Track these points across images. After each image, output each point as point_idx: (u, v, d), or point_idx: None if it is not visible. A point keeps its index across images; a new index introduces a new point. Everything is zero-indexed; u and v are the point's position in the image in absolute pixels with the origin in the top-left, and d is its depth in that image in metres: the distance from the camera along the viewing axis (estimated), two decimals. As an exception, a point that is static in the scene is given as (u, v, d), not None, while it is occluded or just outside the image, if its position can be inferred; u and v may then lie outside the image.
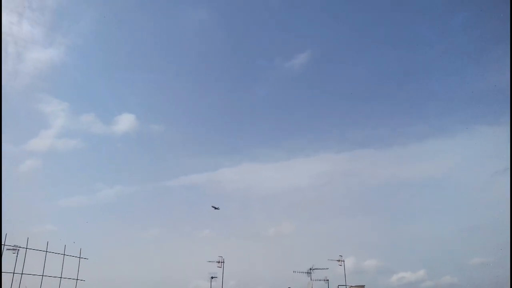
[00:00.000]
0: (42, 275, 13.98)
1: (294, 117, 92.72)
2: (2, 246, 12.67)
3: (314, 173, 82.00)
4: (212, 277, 41.87)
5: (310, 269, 43.10)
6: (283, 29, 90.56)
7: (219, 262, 41.62)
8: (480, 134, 70.54)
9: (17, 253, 16.69)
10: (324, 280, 42.77)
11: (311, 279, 42.71)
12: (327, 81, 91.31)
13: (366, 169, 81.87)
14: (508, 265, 24.42)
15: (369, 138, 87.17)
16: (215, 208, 59.66)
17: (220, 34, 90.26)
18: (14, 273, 14.69)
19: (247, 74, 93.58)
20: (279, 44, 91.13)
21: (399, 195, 75.21)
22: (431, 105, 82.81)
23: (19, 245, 18.16)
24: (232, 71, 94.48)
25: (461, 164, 73.05)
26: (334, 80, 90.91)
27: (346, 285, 41.52)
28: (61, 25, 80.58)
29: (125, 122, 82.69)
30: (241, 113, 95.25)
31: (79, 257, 14.74)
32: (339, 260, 42.69)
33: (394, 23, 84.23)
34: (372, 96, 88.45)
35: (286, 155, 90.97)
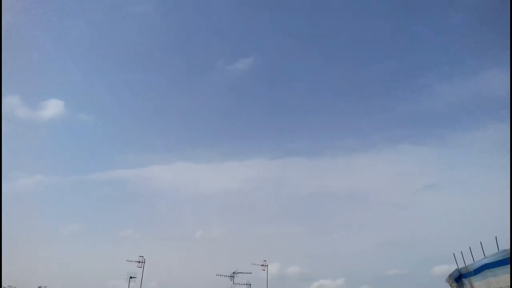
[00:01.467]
0: None
1: (232, 121, 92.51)
2: None
3: (247, 177, 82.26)
4: (131, 277, 39.95)
5: (234, 273, 42.78)
6: (229, 32, 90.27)
7: (139, 262, 39.80)
8: (405, 152, 75.17)
9: None
10: (246, 284, 42.71)
11: (233, 283, 42.38)
12: (268, 88, 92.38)
13: (297, 178, 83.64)
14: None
15: (302, 148, 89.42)
16: None
17: (164, 28, 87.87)
18: None
19: (188, 73, 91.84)
20: (223, 46, 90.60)
21: (326, 206, 77.64)
22: (363, 122, 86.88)
23: None
24: (173, 69, 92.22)
25: (386, 180, 77.30)
26: (274, 89, 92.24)
27: (267, 290, 41.66)
28: None
29: (53, 108, 77.11)
30: (178, 112, 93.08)
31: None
32: (262, 265, 42.75)
33: (338, 40, 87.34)
34: (309, 108, 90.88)
35: (220, 157, 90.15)
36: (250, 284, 42.48)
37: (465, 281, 19.09)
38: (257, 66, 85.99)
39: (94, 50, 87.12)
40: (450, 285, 20.20)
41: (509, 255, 14.88)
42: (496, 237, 16.28)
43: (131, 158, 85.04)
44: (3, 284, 39.01)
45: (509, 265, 14.91)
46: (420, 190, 72.91)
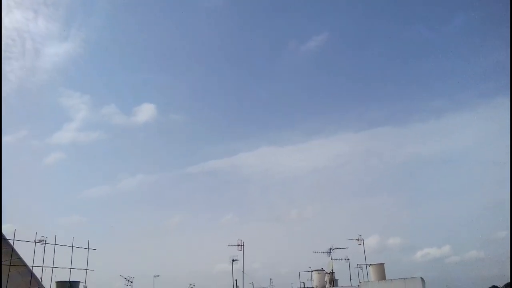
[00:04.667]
0: (52, 267, 14.56)
1: (311, 99, 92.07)
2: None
3: (334, 153, 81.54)
4: (233, 260, 42.65)
5: (330, 249, 43.24)
6: (297, 12, 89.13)
7: (239, 245, 42.23)
8: (500, 106, 68.10)
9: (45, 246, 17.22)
10: (345, 259, 42.93)
11: (331, 259, 42.86)
12: (343, 62, 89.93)
13: (386, 148, 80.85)
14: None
15: (388, 116, 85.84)
16: None
17: (233, 20, 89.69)
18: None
19: (262, 58, 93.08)
20: (294, 27, 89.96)
21: (420, 173, 74.10)
22: (449, 80, 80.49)
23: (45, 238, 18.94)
24: (247, 57, 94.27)
25: (482, 138, 71.21)
26: (350, 61, 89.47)
27: (366, 264, 41.44)
28: (75, 19, 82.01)
29: (145, 112, 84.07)
30: (257, 98, 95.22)
31: (88, 248, 15.31)
32: (358, 240, 42.54)
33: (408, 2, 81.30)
34: (388, 75, 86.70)
35: (304, 137, 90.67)
36: (348, 259, 42.62)
37: None
38: (330, 41, 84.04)
39: (175, 52, 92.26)
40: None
41: None
42: None
43: (220, 149, 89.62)
44: (123, 275, 44.32)
45: None
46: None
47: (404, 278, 32.10)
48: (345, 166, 79.11)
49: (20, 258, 15.42)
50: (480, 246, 51.89)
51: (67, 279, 15.70)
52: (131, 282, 46.00)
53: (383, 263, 40.33)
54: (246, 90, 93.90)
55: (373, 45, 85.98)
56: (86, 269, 15.54)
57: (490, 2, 74.71)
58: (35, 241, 15.12)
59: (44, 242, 17.89)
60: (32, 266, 14.94)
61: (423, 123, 76.69)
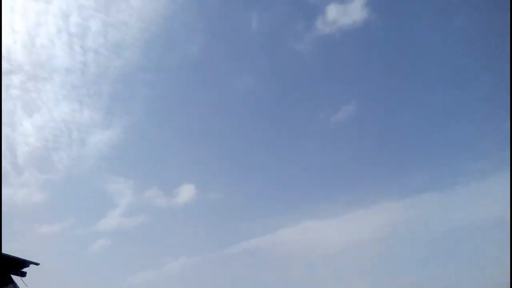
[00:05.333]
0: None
1: (348, 169, 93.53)
2: None
3: (377, 224, 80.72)
4: None
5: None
6: (323, 83, 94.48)
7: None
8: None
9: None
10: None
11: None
12: (376, 129, 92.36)
13: (432, 214, 79.86)
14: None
15: (429, 181, 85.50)
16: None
17: (265, 98, 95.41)
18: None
19: (295, 131, 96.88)
20: (322, 98, 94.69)
21: (473, 239, 72.47)
22: (491, 141, 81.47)
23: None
24: (280, 130, 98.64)
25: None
26: (383, 128, 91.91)
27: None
28: (117, 107, 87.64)
29: (186, 192, 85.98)
30: (294, 172, 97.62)
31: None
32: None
33: (444, 65, 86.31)
34: (426, 139, 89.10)
35: (345, 208, 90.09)
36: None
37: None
38: (361, 109, 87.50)
39: (214, 134, 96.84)
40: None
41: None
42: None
43: (260, 225, 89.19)
44: None
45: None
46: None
47: None
48: (391, 237, 78.40)
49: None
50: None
51: None
52: None
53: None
54: (283, 164, 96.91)
55: (407, 109, 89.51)
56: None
57: None
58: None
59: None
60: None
61: (466, 186, 76.96)
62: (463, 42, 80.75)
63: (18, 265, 12.78)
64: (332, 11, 78.04)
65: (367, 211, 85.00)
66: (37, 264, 13.18)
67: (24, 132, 53.97)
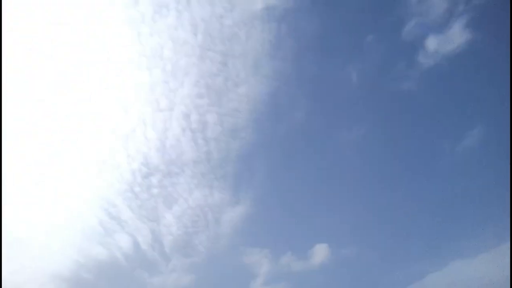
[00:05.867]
0: None
1: (485, 197, 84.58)
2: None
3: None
4: None
5: None
6: (446, 111, 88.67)
7: None
8: None
9: None
10: None
11: None
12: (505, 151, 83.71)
13: None
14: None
15: None
16: None
17: (378, 143, 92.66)
18: None
19: (417, 167, 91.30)
20: (445, 126, 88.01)
21: None
22: None
23: None
24: (401, 171, 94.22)
25: None
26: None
27: None
28: (241, 184, 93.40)
29: (319, 252, 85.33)
30: (427, 209, 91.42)
31: None
32: None
33: None
34: None
35: (494, 240, 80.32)
36: None
37: None
38: (487, 133, 79.41)
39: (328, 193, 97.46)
40: None
41: None
42: None
43: (405, 273, 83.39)
44: None
45: None
46: None
47: None
48: None
49: None
50: None
51: None
52: None
53: None
54: (410, 206, 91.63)
55: None
56: None
57: None
58: None
59: None
60: None
61: None
62: None
63: None
64: (432, 42, 74.19)
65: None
66: None
67: (167, 223, 61.26)
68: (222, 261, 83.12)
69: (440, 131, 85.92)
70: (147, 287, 42.72)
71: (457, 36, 66.71)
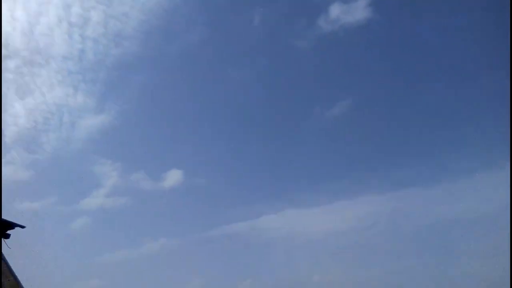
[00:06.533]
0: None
1: (336, 162, 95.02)
2: None
3: (359, 215, 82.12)
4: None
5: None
6: (323, 77, 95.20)
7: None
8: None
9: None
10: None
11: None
12: (368, 125, 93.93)
13: (413, 209, 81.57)
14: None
15: (415, 177, 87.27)
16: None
17: (260, 91, 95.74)
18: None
19: (287, 123, 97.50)
20: (319, 93, 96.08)
21: (450, 234, 74.23)
22: (481, 140, 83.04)
23: None
24: (272, 121, 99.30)
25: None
26: (376, 124, 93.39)
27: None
28: (111, 93, 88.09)
29: (173, 177, 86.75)
30: (281, 160, 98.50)
31: None
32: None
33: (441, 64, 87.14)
34: (415, 136, 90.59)
35: (328, 198, 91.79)
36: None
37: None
38: (356, 105, 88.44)
39: (198, 121, 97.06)
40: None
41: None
42: None
43: (243, 211, 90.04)
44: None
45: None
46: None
47: None
48: (371, 228, 79.62)
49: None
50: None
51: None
52: None
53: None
54: (268, 153, 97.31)
55: (400, 108, 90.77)
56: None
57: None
58: None
59: None
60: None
61: (452, 183, 78.65)
62: (463, 42, 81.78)
63: (4, 227, 12.25)
64: (335, 10, 77.73)
65: (349, 202, 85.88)
66: (23, 227, 12.66)
67: (14, 113, 54.72)
68: (68, 165, 78.13)
69: (316, 94, 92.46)
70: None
71: (359, 10, 68.49)
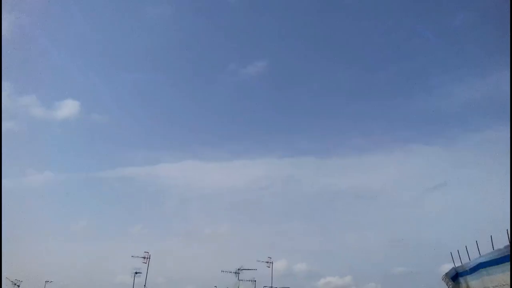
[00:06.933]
0: None
1: (241, 121, 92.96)
2: None
3: (256, 175, 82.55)
4: (136, 273, 40.47)
5: (239, 269, 42.99)
6: (243, 35, 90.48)
7: (144, 258, 40.32)
8: (414, 153, 74.51)
9: None
10: (251, 280, 42.93)
11: (238, 279, 42.59)
12: (280, 90, 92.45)
13: (306, 176, 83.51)
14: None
15: (312, 147, 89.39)
16: None
17: (176, 30, 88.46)
18: None
19: (200, 74, 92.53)
20: (237, 50, 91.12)
21: (334, 204, 77.39)
22: (373, 123, 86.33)
23: None
24: (184, 70, 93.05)
25: (395, 179, 76.79)
26: (286, 90, 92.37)
27: (272, 287, 41.87)
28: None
29: (68, 108, 78.39)
30: (188, 111, 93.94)
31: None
32: (267, 262, 42.89)
33: (348, 43, 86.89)
34: (319, 110, 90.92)
35: (229, 156, 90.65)
36: (255, 280, 42.73)
37: (461, 279, 18.83)
38: (270, 68, 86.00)
39: (109, 52, 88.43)
40: (447, 284, 19.93)
41: (504, 254, 14.64)
42: (491, 236, 16.06)
43: (141, 156, 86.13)
44: (10, 278, 40.01)
45: (504, 264, 14.68)
46: (430, 190, 72.36)
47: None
48: (265, 189, 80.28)
49: None
50: (379, 279, 54.95)
51: None
52: (18, 286, 41.69)
53: (288, 287, 41.13)
54: (177, 101, 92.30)
55: (309, 80, 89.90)
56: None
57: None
58: None
59: None
60: None
61: (343, 158, 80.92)
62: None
63: None
64: None
65: (249, 162, 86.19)
66: None
67: None
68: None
69: (234, 50, 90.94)
70: None
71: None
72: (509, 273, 14.28)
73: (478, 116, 70.45)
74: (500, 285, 15.07)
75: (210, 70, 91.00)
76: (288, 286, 41.22)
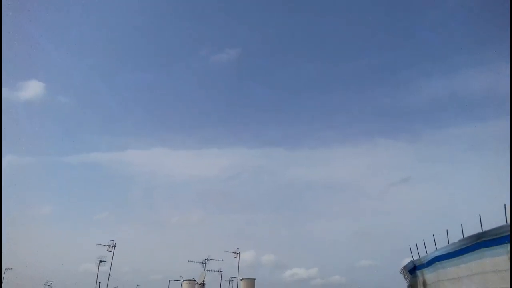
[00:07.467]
0: None
1: (211, 109, 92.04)
2: None
3: (225, 165, 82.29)
4: (100, 261, 39.63)
5: (205, 259, 42.80)
6: (217, 22, 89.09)
7: (109, 246, 39.50)
8: (381, 146, 76.03)
9: None
10: (218, 271, 42.96)
11: (205, 270, 42.45)
12: (250, 80, 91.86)
13: (275, 167, 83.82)
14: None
15: (281, 139, 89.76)
16: None
17: (145, 15, 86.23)
18: None
19: (171, 58, 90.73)
20: (210, 36, 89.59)
21: (302, 196, 78.23)
22: (341, 115, 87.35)
23: None
24: (154, 53, 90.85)
25: (362, 172, 78.23)
26: (257, 81, 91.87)
27: (238, 278, 42.03)
28: None
29: (32, 89, 75.31)
30: (157, 97, 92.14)
31: None
32: (234, 253, 42.96)
33: (319, 36, 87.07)
34: (288, 101, 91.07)
35: (199, 144, 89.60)
36: (222, 271, 42.77)
37: (418, 272, 19.37)
38: (242, 56, 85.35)
39: (76, 33, 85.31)
40: (404, 276, 20.49)
41: (457, 248, 15.06)
42: (447, 230, 16.52)
43: (108, 142, 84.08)
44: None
45: (457, 258, 15.09)
46: (395, 184, 74.14)
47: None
48: (235, 179, 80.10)
49: None
50: (344, 272, 56.12)
51: None
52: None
53: (254, 279, 41.34)
54: (147, 86, 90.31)
55: (279, 72, 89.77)
56: None
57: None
58: None
59: None
60: None
61: (312, 150, 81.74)
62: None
63: None
64: None
65: (219, 151, 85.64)
66: None
67: None
68: None
69: (206, 36, 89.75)
70: None
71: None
72: (462, 266, 14.75)
73: (444, 113, 72.19)
74: (453, 278, 15.55)
75: (180, 55, 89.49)
76: (253, 277, 41.39)
